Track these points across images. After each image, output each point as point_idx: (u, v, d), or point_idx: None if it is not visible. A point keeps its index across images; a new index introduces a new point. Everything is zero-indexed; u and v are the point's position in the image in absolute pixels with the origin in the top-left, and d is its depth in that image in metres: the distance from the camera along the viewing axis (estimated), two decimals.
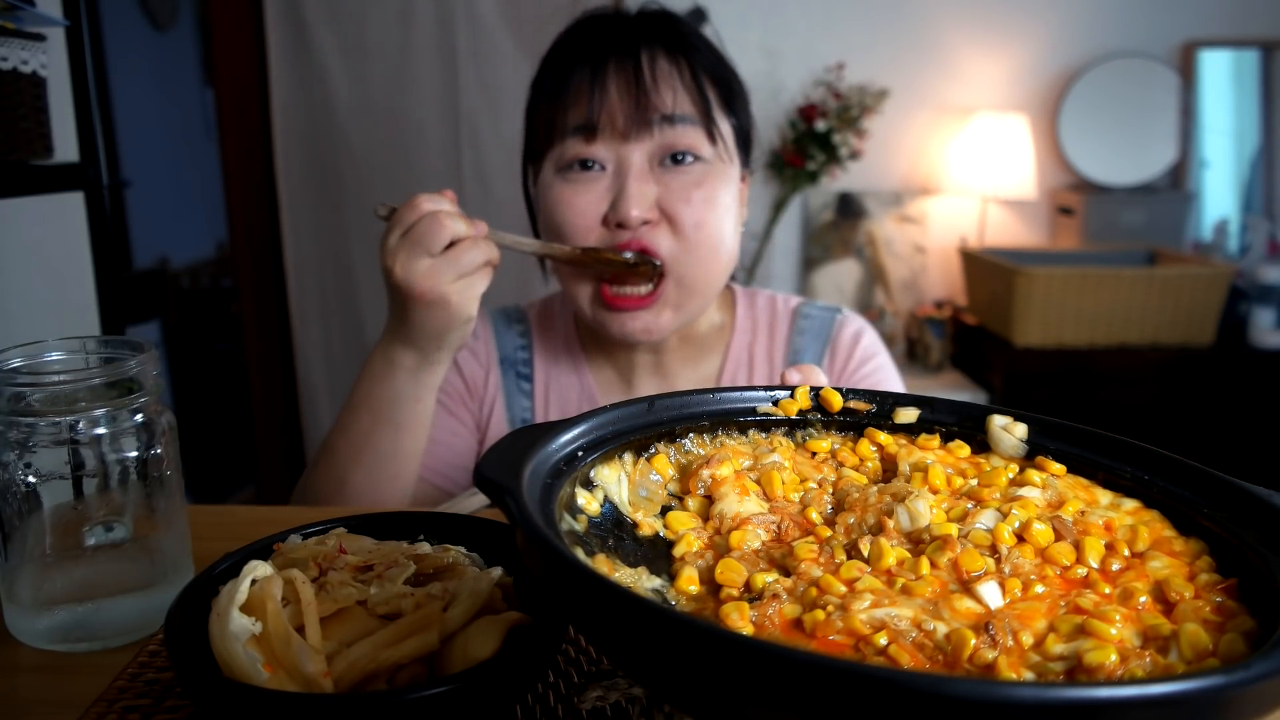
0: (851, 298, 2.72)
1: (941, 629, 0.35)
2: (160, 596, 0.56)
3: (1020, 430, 0.50)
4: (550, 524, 0.38)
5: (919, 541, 0.41)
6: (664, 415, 0.50)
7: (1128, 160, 2.68)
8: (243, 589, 0.46)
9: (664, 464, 0.49)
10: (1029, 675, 0.33)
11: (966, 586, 0.38)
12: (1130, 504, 0.45)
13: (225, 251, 3.73)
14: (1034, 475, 0.46)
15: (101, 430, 0.55)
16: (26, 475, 0.54)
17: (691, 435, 0.51)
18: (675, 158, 0.89)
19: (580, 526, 0.42)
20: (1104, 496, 0.45)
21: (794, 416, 0.53)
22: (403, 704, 0.41)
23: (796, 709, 0.27)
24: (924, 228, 2.72)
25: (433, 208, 0.80)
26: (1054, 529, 0.41)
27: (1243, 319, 2.39)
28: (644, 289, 0.90)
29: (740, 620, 0.36)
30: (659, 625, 0.29)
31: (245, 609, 0.45)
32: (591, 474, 0.45)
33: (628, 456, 0.48)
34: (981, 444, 0.51)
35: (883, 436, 0.51)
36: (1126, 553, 0.41)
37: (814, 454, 0.52)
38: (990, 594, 0.37)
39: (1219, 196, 2.71)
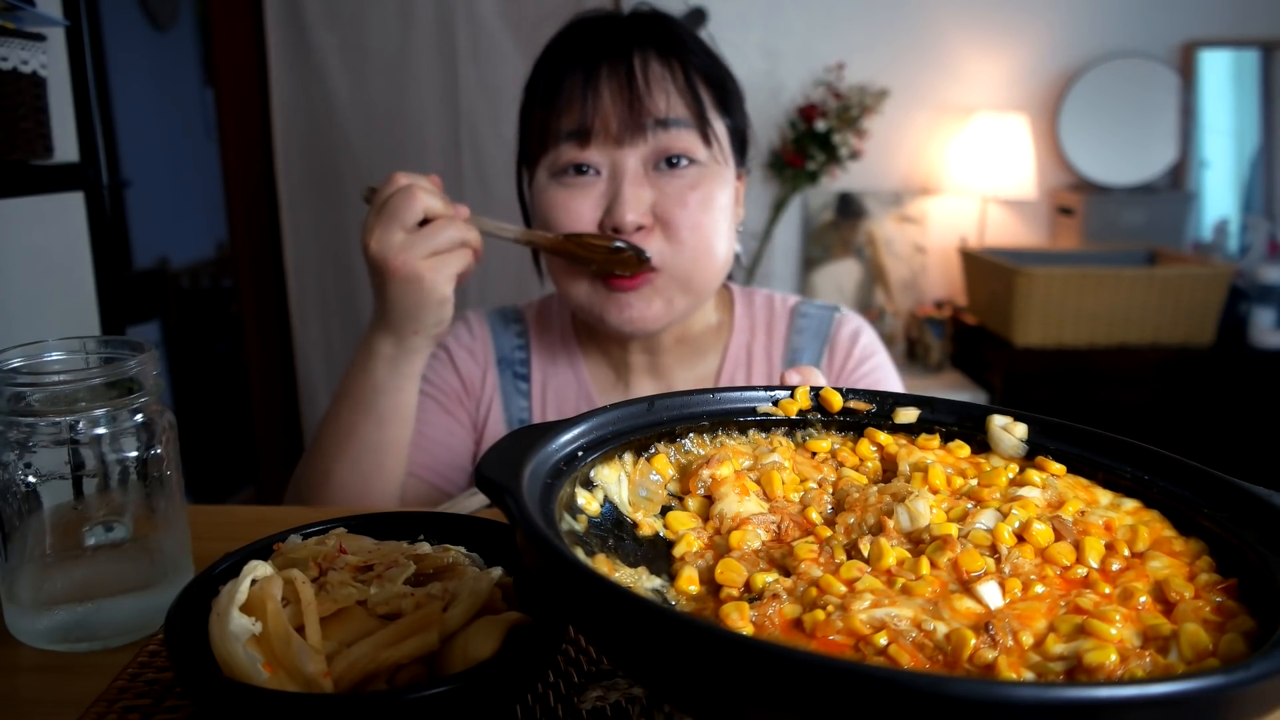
0: (851, 298, 2.72)
1: (941, 629, 0.35)
2: (160, 596, 0.56)
3: (1020, 430, 0.50)
4: (550, 524, 0.38)
5: (919, 541, 0.41)
6: (664, 415, 0.50)
7: (1128, 160, 2.68)
8: (243, 589, 0.46)
9: (664, 464, 0.49)
10: (1029, 675, 0.33)
11: (966, 586, 0.38)
12: (1130, 504, 0.45)
13: (225, 251, 3.73)
14: (1034, 475, 0.46)
15: (101, 430, 0.55)
16: (26, 475, 0.54)
17: (691, 435, 0.51)
18: (670, 161, 0.89)
19: (580, 526, 0.43)
20: (1104, 496, 0.46)
21: (794, 416, 0.53)
22: (403, 704, 0.41)
23: (796, 709, 0.27)
24: (924, 228, 2.72)
25: (407, 182, 0.81)
26: (1054, 529, 0.41)
27: (1243, 319, 2.39)
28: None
29: (740, 620, 0.36)
30: (659, 625, 0.29)
31: (245, 609, 0.45)
32: (591, 474, 0.45)
33: (628, 456, 0.48)
34: (981, 444, 0.51)
35: (883, 436, 0.51)
36: (1126, 553, 0.41)
37: (814, 454, 0.52)
38: (990, 594, 0.37)
39: (1219, 196, 2.71)
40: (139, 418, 0.56)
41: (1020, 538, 0.41)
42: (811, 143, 2.52)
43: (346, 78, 2.60)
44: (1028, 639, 0.34)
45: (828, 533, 0.44)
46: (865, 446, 0.51)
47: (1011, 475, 0.47)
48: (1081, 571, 0.40)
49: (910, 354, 2.65)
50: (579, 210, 0.89)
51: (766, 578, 0.39)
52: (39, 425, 0.53)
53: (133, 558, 0.58)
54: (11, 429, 0.53)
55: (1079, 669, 0.33)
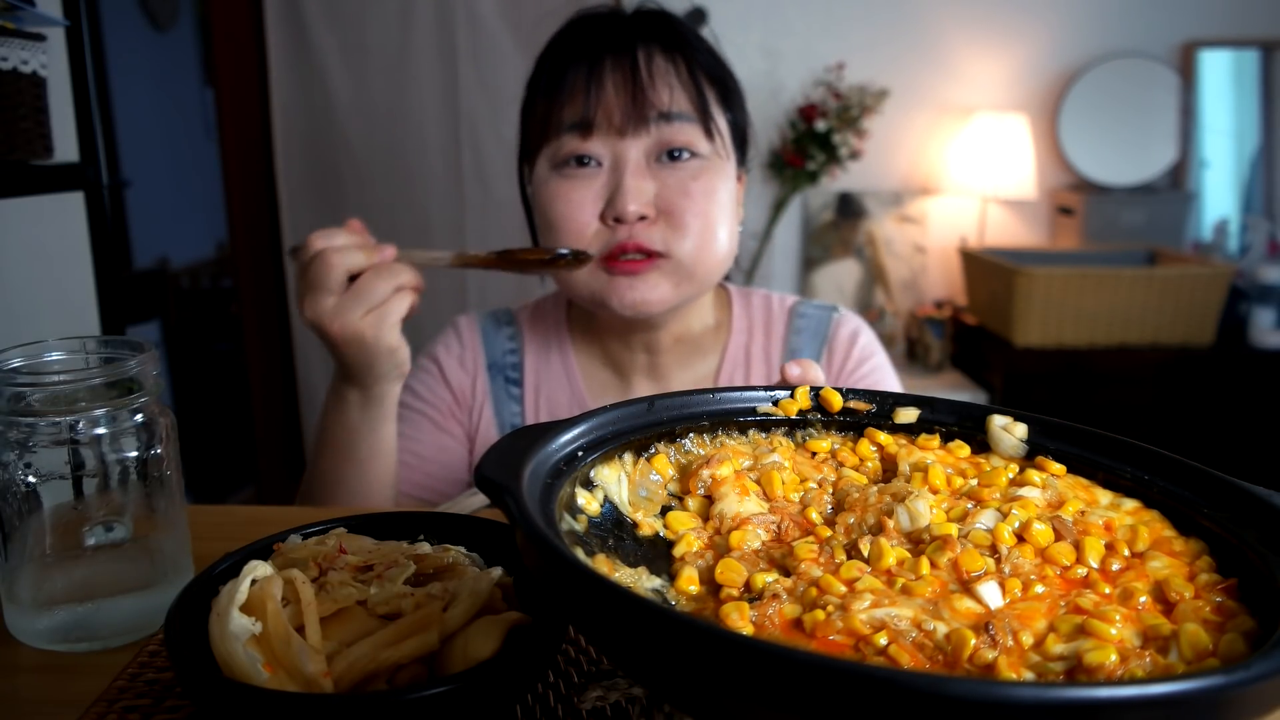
0: (851, 298, 2.72)
1: (941, 629, 0.35)
2: (160, 596, 0.56)
3: (1020, 430, 0.50)
4: (550, 524, 0.38)
5: (919, 541, 0.41)
6: (664, 415, 0.50)
7: (1128, 160, 2.68)
8: (243, 589, 0.46)
9: (664, 464, 0.49)
10: (1029, 675, 0.33)
11: (966, 586, 0.38)
12: (1130, 504, 0.45)
13: (225, 251, 3.73)
14: (1034, 475, 0.46)
15: (101, 430, 0.55)
16: (26, 475, 0.54)
17: (691, 435, 0.51)
18: (672, 154, 0.88)
19: (580, 526, 0.43)
20: (1104, 496, 0.46)
21: (794, 416, 0.53)
22: (403, 704, 0.41)
23: (796, 709, 0.27)
24: (924, 228, 2.72)
25: (323, 245, 0.78)
26: (1054, 529, 0.41)
27: (1243, 319, 2.39)
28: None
29: (740, 620, 0.36)
30: (659, 625, 0.29)
31: (245, 609, 0.45)
32: (591, 474, 0.45)
33: (628, 456, 0.48)
34: (981, 444, 0.51)
35: (883, 436, 0.51)
36: (1126, 553, 0.41)
37: (814, 454, 0.52)
38: (990, 594, 0.37)
39: (1219, 196, 2.71)
40: (139, 418, 0.56)
41: (1020, 538, 0.41)
42: (811, 143, 2.52)
43: (346, 78, 2.60)
44: (1028, 639, 0.34)
45: (828, 533, 0.44)
46: (865, 446, 0.51)
47: (1011, 475, 0.47)
48: (1081, 571, 0.40)
49: (910, 354, 2.65)
50: (580, 201, 0.88)
51: (766, 578, 0.39)
52: (39, 425, 0.53)
53: (133, 558, 0.58)
54: (11, 429, 0.53)
55: (1079, 669, 0.33)
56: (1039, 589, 0.38)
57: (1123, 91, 2.63)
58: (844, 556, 0.41)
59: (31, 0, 1.20)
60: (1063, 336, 2.31)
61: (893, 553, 0.40)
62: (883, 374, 1.03)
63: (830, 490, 0.47)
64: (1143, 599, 0.38)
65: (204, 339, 3.64)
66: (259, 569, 0.48)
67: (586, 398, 1.01)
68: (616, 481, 0.46)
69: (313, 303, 0.78)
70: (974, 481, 0.47)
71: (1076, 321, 2.30)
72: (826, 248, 2.71)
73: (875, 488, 0.46)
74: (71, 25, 1.35)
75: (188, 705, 0.49)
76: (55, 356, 0.58)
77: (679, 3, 2.38)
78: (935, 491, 0.46)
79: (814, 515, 0.45)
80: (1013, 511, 0.42)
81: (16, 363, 0.56)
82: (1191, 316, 2.29)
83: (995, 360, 2.40)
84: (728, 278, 1.04)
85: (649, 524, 0.45)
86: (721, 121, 0.92)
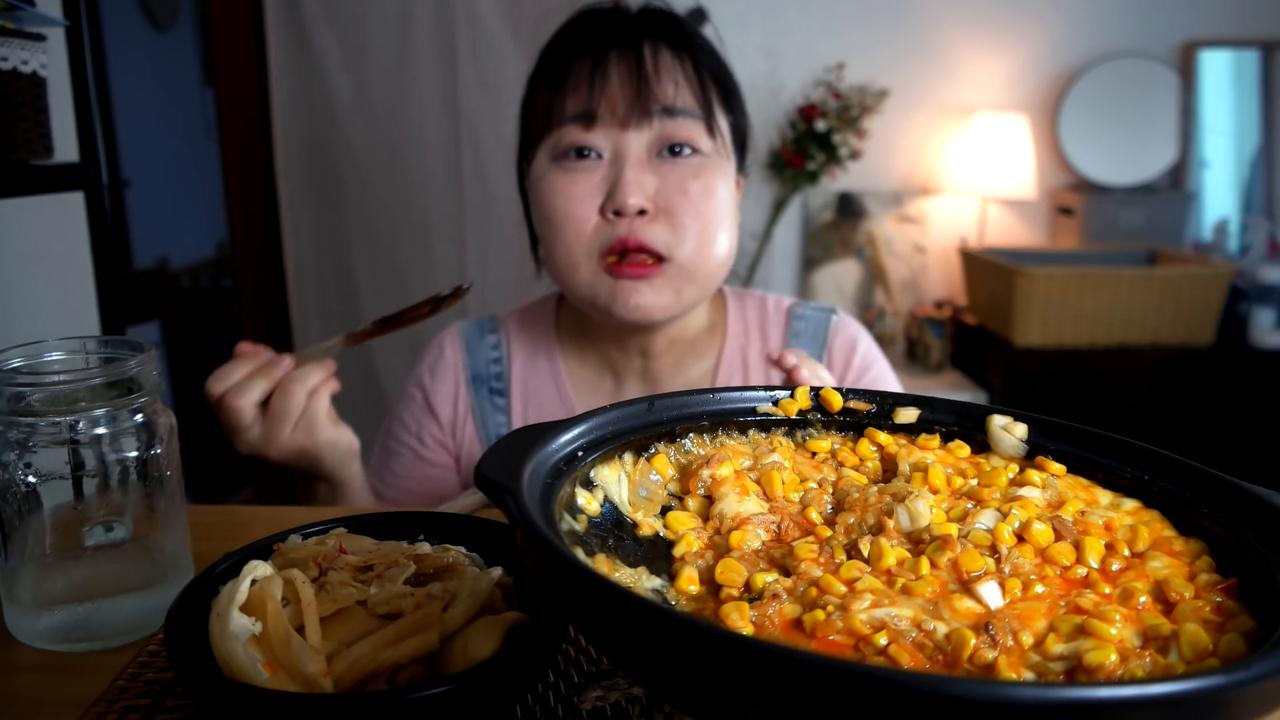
0: (851, 298, 2.72)
1: (941, 629, 0.35)
2: (160, 596, 0.56)
3: (1020, 430, 0.50)
4: (550, 524, 0.38)
5: (919, 541, 0.41)
6: (664, 415, 0.50)
7: (1128, 160, 2.68)
8: (243, 589, 0.46)
9: (664, 464, 0.49)
10: (1029, 675, 0.33)
11: (966, 586, 0.38)
12: (1130, 504, 0.45)
13: (225, 251, 3.73)
14: (1034, 475, 0.46)
15: (101, 430, 0.55)
16: (26, 475, 0.54)
17: (691, 435, 0.51)
18: (674, 149, 0.88)
19: (580, 526, 0.42)
20: (1104, 496, 0.45)
21: (794, 416, 0.53)
22: (403, 704, 0.41)
23: (796, 709, 0.27)
24: (924, 228, 2.72)
25: (220, 390, 0.79)
26: (1054, 529, 0.41)
27: (1243, 319, 2.39)
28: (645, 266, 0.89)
29: (740, 620, 0.36)
30: (659, 625, 0.29)
31: (245, 609, 0.45)
32: (591, 474, 0.45)
33: (628, 456, 0.48)
34: (981, 444, 0.51)
35: (883, 436, 0.51)
36: (1126, 553, 0.41)
37: (814, 454, 0.52)
38: (990, 594, 0.37)
39: (1219, 196, 2.71)
40: (139, 418, 0.56)
41: (1020, 538, 0.41)
42: (811, 143, 2.52)
43: (346, 78, 2.60)
44: (1028, 639, 0.34)
45: (828, 533, 0.44)
46: (865, 446, 0.51)
47: (1011, 475, 0.47)
48: (1081, 571, 0.40)
49: (910, 354, 2.65)
50: (579, 195, 0.87)
51: (766, 578, 0.39)
52: (39, 425, 0.53)
53: (133, 558, 0.58)
54: (11, 429, 0.53)
55: (1079, 669, 0.33)
56: (1039, 589, 0.38)
57: (1123, 91, 2.63)
58: (844, 556, 0.41)
59: (31, 0, 1.20)
60: (1063, 336, 2.31)
61: (893, 553, 0.40)
62: (884, 383, 1.02)
63: (830, 490, 0.47)
64: (1143, 599, 0.38)
65: (204, 339, 3.64)
66: (259, 569, 0.48)
67: (576, 405, 0.99)
68: (616, 481, 0.46)
69: (240, 441, 0.81)
70: (974, 481, 0.47)
71: (1076, 321, 2.30)
72: (826, 248, 2.71)
73: (875, 488, 0.46)
74: (71, 25, 1.35)
75: (188, 705, 0.49)
76: (55, 356, 0.58)
77: (680, 2, 2.39)
78: (935, 491, 0.46)
79: (814, 515, 0.45)
80: (1013, 511, 0.42)
81: (16, 363, 0.56)
82: (1191, 316, 2.29)
83: (995, 360, 2.40)
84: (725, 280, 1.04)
85: (649, 524, 0.45)
86: (723, 121, 0.91)
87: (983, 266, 2.47)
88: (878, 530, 0.43)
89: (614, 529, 0.44)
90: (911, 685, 0.26)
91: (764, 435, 0.52)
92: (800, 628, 0.36)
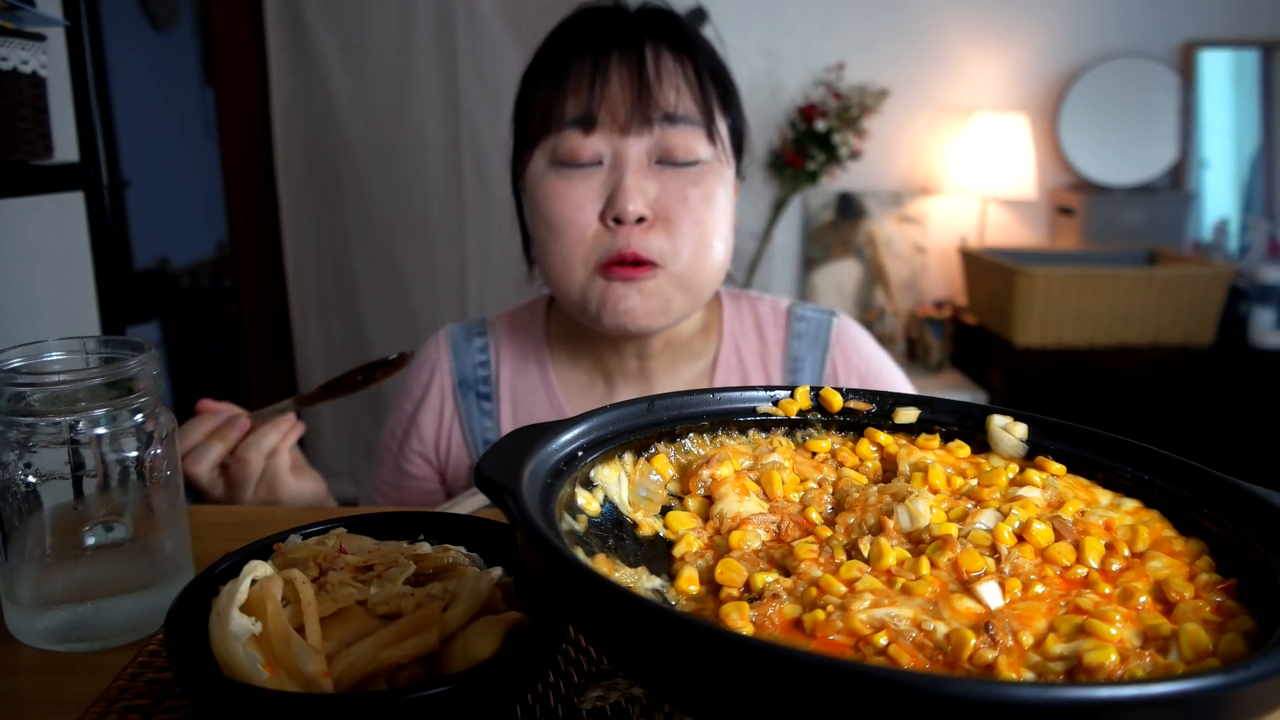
0: (851, 298, 2.72)
1: (941, 629, 0.35)
2: (160, 596, 0.56)
3: (1020, 430, 0.50)
4: (550, 524, 0.38)
5: (919, 541, 0.41)
6: (664, 415, 0.50)
7: (1128, 160, 2.68)
8: (243, 589, 0.46)
9: (664, 464, 0.49)
10: (1029, 675, 0.33)
11: (966, 586, 0.38)
12: (1130, 504, 0.45)
13: (225, 251, 3.73)
14: (1034, 475, 0.46)
15: (101, 430, 0.55)
16: (26, 475, 0.54)
17: (691, 435, 0.51)
18: (674, 158, 0.87)
19: (580, 526, 0.42)
20: (1104, 496, 0.45)
21: (794, 416, 0.53)
22: (403, 704, 0.41)
23: (796, 709, 0.27)
24: (924, 228, 2.72)
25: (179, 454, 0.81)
26: (1054, 529, 0.41)
27: (1243, 319, 2.39)
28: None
29: (740, 620, 0.36)
30: (659, 625, 0.29)
31: (245, 609, 0.45)
32: (591, 474, 0.45)
33: (628, 456, 0.48)
34: (981, 444, 0.51)
35: (883, 436, 0.51)
36: (1126, 553, 0.41)
37: (814, 454, 0.52)
38: (990, 594, 0.37)
39: (1219, 196, 2.71)
40: (139, 418, 0.56)
41: (1020, 538, 0.41)
42: (811, 143, 2.52)
43: (346, 78, 2.60)
44: (1028, 639, 0.34)
45: (828, 533, 0.44)
46: (865, 446, 0.51)
47: (1011, 475, 0.47)
48: (1081, 571, 0.40)
49: (910, 354, 2.65)
50: (579, 201, 0.86)
51: (766, 578, 0.39)
52: (39, 425, 0.53)
53: (133, 558, 0.58)
54: (11, 429, 0.53)
55: (1079, 669, 0.33)
56: (1039, 589, 0.38)
57: (1123, 91, 2.64)
58: (844, 556, 0.41)
59: (31, 0, 1.20)
60: (1063, 336, 2.31)
61: (893, 553, 0.40)
62: (894, 389, 1.02)
63: (830, 490, 0.47)
64: (1143, 599, 0.38)
65: (204, 339, 3.64)
66: (259, 569, 0.48)
67: (566, 409, 0.98)
68: (616, 481, 0.46)
69: (209, 498, 0.82)
70: (974, 481, 0.47)
71: (1076, 321, 2.30)
72: (826, 248, 2.71)
73: (875, 488, 0.46)
74: (71, 25, 1.35)
75: (188, 705, 0.49)
76: (55, 356, 0.58)
77: (680, 2, 2.39)
78: (935, 491, 0.46)
79: (814, 515, 0.45)
80: (1013, 511, 0.42)
81: (16, 363, 0.56)
82: (1191, 316, 2.30)
83: (995, 360, 2.40)
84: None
85: (649, 524, 0.45)
86: (723, 126, 0.91)
87: (983, 266, 2.48)
88: (878, 530, 0.43)
89: (614, 529, 0.44)
90: (911, 685, 0.26)
91: (764, 435, 0.52)
92: (800, 628, 0.36)
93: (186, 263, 3.73)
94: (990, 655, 0.33)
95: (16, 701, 0.52)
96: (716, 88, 0.91)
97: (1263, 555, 0.38)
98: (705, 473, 0.47)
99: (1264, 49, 2.65)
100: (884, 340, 2.56)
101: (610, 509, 0.45)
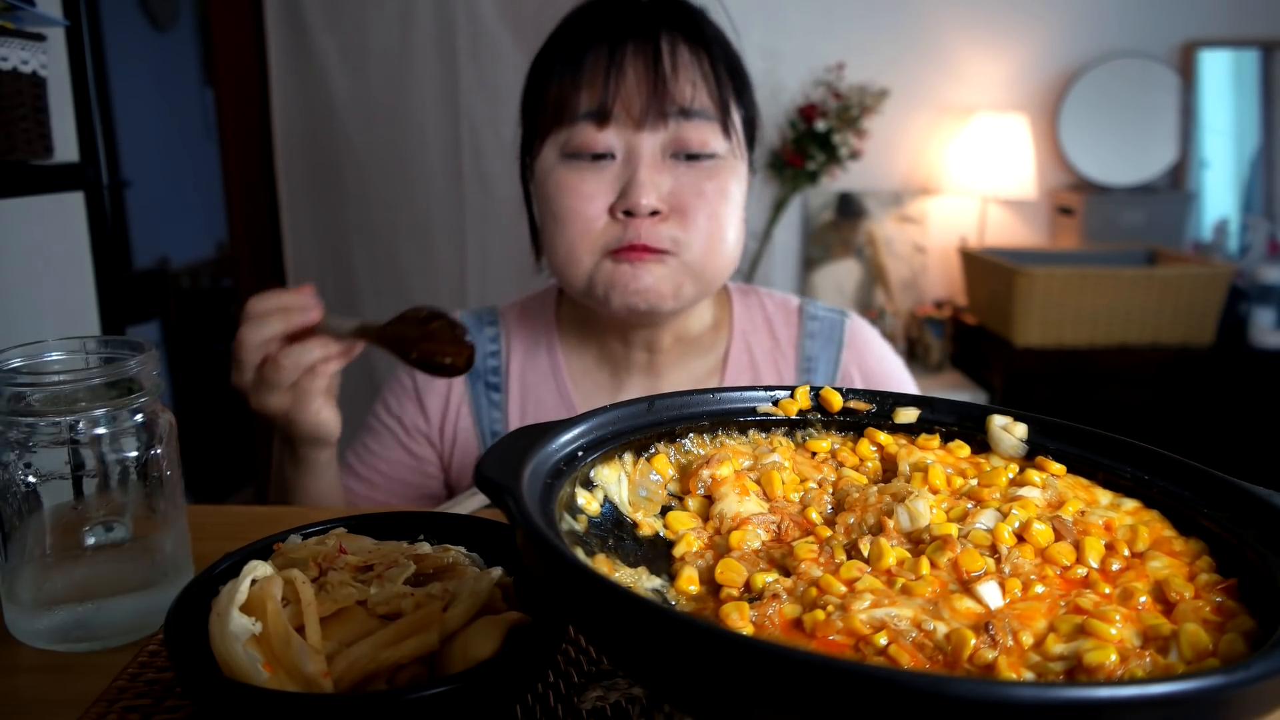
0: (851, 298, 2.72)
1: (941, 629, 0.35)
2: (160, 596, 0.56)
3: (1020, 430, 0.50)
4: (550, 524, 0.38)
5: (919, 541, 0.41)
6: (664, 415, 0.50)
7: (1128, 160, 2.68)
8: (243, 589, 0.46)
9: (664, 464, 0.49)
10: (1029, 675, 0.33)
11: (966, 586, 0.38)
12: (1130, 504, 0.45)
13: (225, 251, 3.73)
14: (1034, 475, 0.46)
15: (101, 430, 0.55)
16: (26, 475, 0.54)
17: (691, 435, 0.51)
18: (689, 153, 0.86)
19: (580, 526, 0.42)
20: (1104, 496, 0.45)
21: (794, 416, 0.53)
22: (403, 704, 0.41)
23: (796, 709, 0.27)
24: (924, 228, 2.72)
25: (248, 310, 0.76)
26: (1054, 529, 0.41)
27: (1243, 319, 2.39)
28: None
29: (740, 620, 0.36)
30: (659, 625, 0.29)
31: (245, 609, 0.45)
32: (591, 474, 0.45)
33: (628, 456, 0.48)
34: (981, 444, 0.51)
35: (883, 436, 0.51)
36: (1126, 553, 0.41)
37: (814, 454, 0.52)
38: (990, 594, 0.37)
39: (1219, 196, 2.71)
40: (139, 418, 0.56)
41: (1020, 538, 0.41)
42: (811, 143, 2.52)
43: (346, 78, 2.60)
44: (1028, 639, 0.34)
45: (828, 533, 0.44)
46: (865, 446, 0.51)
47: (1011, 475, 0.47)
48: (1081, 571, 0.40)
49: (910, 354, 2.65)
50: (590, 194, 0.85)
51: (766, 578, 0.39)
52: (39, 425, 0.53)
53: (133, 558, 0.58)
54: (11, 429, 0.53)
55: (1079, 669, 0.33)
56: (1039, 589, 0.38)
57: (1123, 91, 2.63)
58: (844, 556, 0.41)
59: (31, 0, 1.20)
60: (1063, 336, 2.31)
61: (893, 553, 0.40)
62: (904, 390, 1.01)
63: (830, 490, 0.47)
64: (1143, 599, 0.38)
65: (204, 339, 3.64)
66: (259, 569, 0.48)
67: (575, 401, 0.98)
68: (616, 481, 0.46)
69: (235, 375, 0.78)
70: (974, 481, 0.47)
71: (1076, 321, 2.30)
72: (826, 248, 2.71)
73: (875, 488, 0.46)
74: (71, 25, 1.35)
75: (188, 705, 0.49)
76: (55, 356, 0.58)
77: None
78: (935, 491, 0.46)
79: (814, 515, 0.45)
80: (1013, 511, 0.42)
81: (16, 363, 0.56)
82: (1191, 316, 2.30)
83: (995, 360, 2.40)
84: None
85: (649, 524, 0.45)
86: (737, 119, 0.89)
87: (983, 266, 2.48)
88: (878, 530, 0.43)
89: (614, 529, 0.44)
90: (911, 685, 0.26)
91: (764, 435, 0.52)
92: (800, 628, 0.36)
93: (186, 263, 3.73)
94: (990, 655, 0.33)
95: (16, 701, 0.52)
96: (732, 80, 0.89)
97: (1263, 555, 0.38)
98: (705, 473, 0.47)
99: (1264, 49, 2.65)
100: (884, 340, 2.56)
101: (610, 509, 0.45)
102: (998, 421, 0.50)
